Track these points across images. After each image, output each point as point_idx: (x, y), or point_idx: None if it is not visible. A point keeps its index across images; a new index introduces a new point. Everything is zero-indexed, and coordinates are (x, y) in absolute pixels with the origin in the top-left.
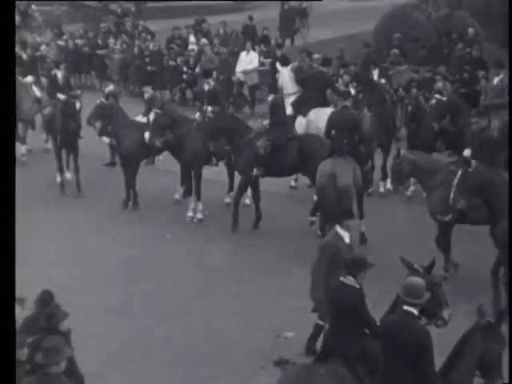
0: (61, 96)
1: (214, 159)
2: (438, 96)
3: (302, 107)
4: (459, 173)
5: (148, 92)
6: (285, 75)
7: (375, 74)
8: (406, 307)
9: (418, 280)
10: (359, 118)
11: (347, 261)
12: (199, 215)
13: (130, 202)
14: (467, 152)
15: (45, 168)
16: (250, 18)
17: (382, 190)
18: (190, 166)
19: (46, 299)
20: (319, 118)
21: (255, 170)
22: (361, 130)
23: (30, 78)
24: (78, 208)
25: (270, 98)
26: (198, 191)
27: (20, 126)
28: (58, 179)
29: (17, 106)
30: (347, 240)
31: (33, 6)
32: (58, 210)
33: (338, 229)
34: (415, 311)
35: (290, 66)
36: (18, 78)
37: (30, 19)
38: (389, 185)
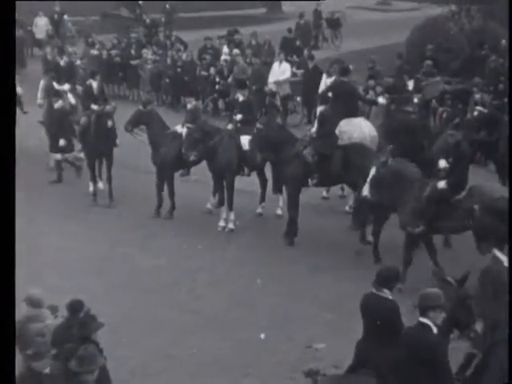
0: (94, 106)
1: (246, 169)
2: (479, 108)
3: (327, 119)
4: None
5: (191, 103)
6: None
7: (410, 85)
8: (421, 319)
9: (434, 290)
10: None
11: (383, 274)
12: (231, 225)
13: (164, 211)
14: (442, 163)
15: (76, 177)
16: (289, 31)
17: None
18: (223, 176)
19: (75, 308)
20: (351, 128)
21: (309, 180)
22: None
23: (66, 86)
24: (109, 218)
25: (319, 108)
26: (230, 201)
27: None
28: (91, 188)
29: (50, 113)
30: (506, 264)
31: (65, 16)
32: (89, 219)
33: (497, 253)
34: (430, 322)
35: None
36: (54, 84)
37: (62, 29)
38: None
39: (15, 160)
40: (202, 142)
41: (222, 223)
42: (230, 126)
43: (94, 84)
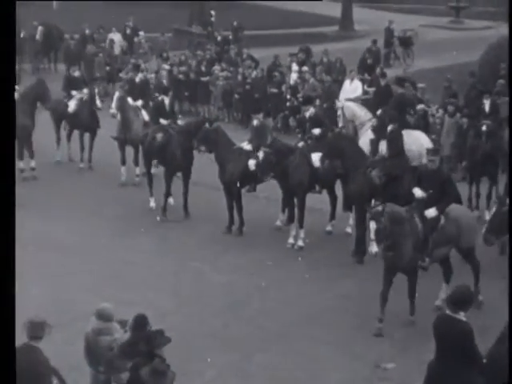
0: (163, 121)
1: (317, 186)
2: None
3: (383, 130)
4: None
5: (258, 119)
6: None
7: (487, 104)
8: None
9: None
10: None
11: (458, 295)
12: (300, 243)
13: (234, 227)
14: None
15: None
16: (374, 42)
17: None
18: (294, 194)
19: (140, 323)
20: (410, 141)
21: (373, 201)
22: None
23: (140, 102)
24: (181, 233)
25: (390, 128)
26: (301, 219)
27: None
28: (152, 204)
29: (126, 128)
30: None
31: (141, 33)
32: (160, 234)
33: None
34: None
35: None
36: (129, 100)
37: (136, 45)
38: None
39: (15, 160)
40: (275, 161)
41: (291, 240)
42: (300, 144)
43: (166, 100)
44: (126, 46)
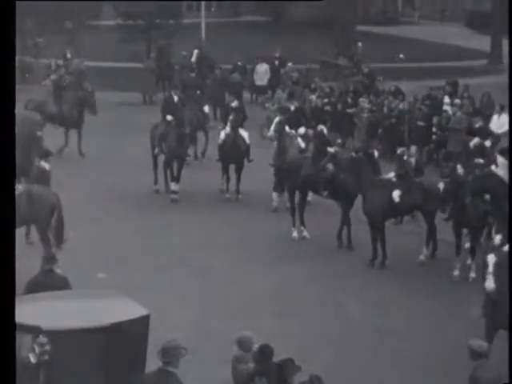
0: (331, 149)
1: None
2: None
3: None
4: None
5: (403, 152)
6: None
7: None
8: None
9: None
10: None
11: None
12: (473, 274)
13: (378, 261)
14: None
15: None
16: None
17: None
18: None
19: (266, 353)
20: None
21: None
22: None
23: (302, 130)
24: (325, 264)
25: None
26: (458, 248)
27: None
28: (294, 234)
29: (282, 156)
30: None
31: (290, 64)
32: (302, 264)
33: None
34: None
35: None
36: (286, 128)
37: (284, 76)
38: None
39: (15, 160)
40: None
41: (456, 272)
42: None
43: (325, 130)
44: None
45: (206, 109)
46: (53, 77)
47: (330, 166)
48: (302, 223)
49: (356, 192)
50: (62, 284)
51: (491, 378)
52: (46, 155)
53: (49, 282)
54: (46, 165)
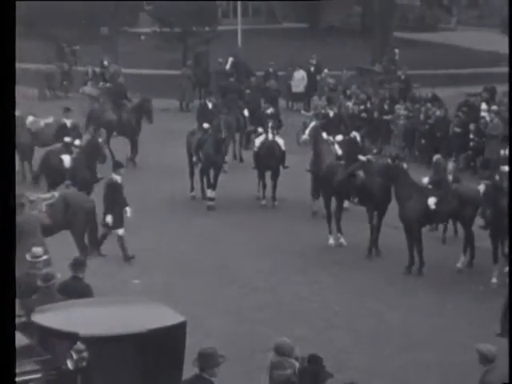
0: (362, 157)
1: None
2: None
3: None
4: None
5: (438, 158)
6: None
7: None
8: None
9: None
10: None
11: None
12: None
13: (415, 268)
14: None
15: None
16: None
17: None
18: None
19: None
20: None
21: None
22: None
23: (339, 137)
24: (359, 273)
25: None
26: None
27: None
28: (331, 241)
29: (319, 161)
30: None
31: (326, 70)
32: (337, 272)
33: None
34: None
35: None
36: (323, 134)
37: (320, 83)
38: None
39: (15, 160)
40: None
41: (494, 280)
42: (481, 187)
43: (358, 137)
44: (307, 83)
45: (246, 112)
46: (108, 84)
47: (361, 173)
48: (339, 230)
49: (388, 199)
50: (85, 291)
51: (500, 382)
52: (117, 167)
53: (73, 288)
54: (117, 177)
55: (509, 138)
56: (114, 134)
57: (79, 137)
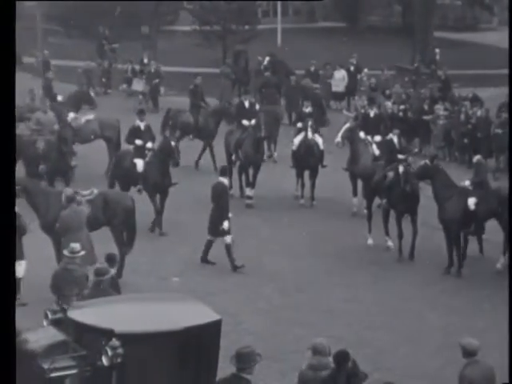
0: (401, 156)
1: None
2: None
3: None
4: None
5: (479, 159)
6: None
7: None
8: None
9: None
10: None
11: None
12: None
13: (452, 269)
14: None
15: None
16: None
17: None
18: None
19: (342, 359)
20: None
21: None
22: None
23: (378, 138)
24: (399, 273)
25: None
26: None
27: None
28: (370, 241)
29: (355, 161)
30: None
31: (366, 70)
32: (374, 272)
33: None
34: None
35: None
36: (361, 134)
37: (360, 82)
38: None
39: (15, 160)
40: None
41: None
42: None
43: (395, 139)
44: (347, 83)
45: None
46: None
47: (391, 174)
48: (387, 233)
49: (416, 200)
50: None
51: (480, 376)
52: (224, 171)
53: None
54: (225, 180)
55: (509, 137)
56: (190, 137)
57: (153, 139)
